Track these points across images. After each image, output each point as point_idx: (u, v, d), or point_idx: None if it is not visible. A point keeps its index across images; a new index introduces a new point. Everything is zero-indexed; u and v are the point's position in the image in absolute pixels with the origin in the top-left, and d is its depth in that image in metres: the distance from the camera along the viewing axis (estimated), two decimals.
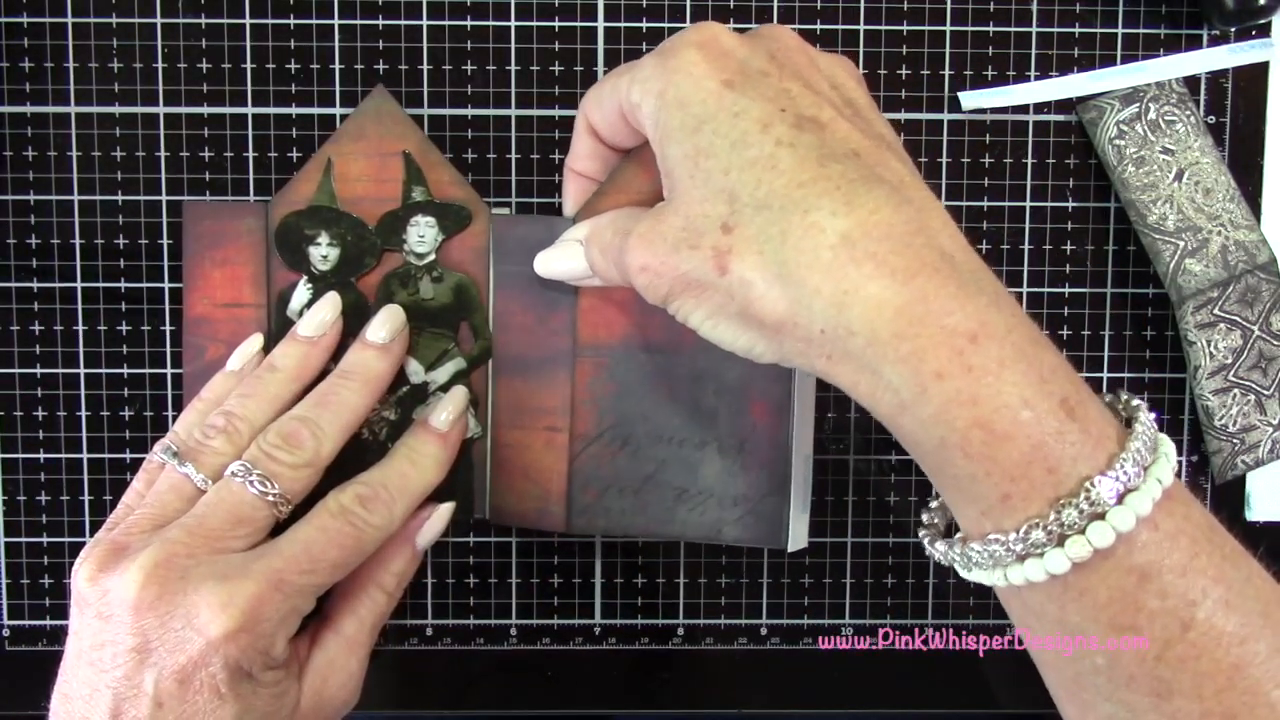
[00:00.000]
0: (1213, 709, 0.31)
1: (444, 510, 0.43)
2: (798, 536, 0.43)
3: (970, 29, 0.48)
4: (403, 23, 0.47)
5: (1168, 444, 0.32)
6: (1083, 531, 0.30)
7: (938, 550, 0.35)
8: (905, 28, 0.47)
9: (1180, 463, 0.49)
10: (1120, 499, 0.30)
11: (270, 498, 0.38)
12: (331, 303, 0.42)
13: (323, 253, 0.43)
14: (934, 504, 0.37)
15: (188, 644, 0.35)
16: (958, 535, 0.34)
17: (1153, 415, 0.32)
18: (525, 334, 0.43)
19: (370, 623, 0.42)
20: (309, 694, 0.39)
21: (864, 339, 0.31)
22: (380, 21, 0.47)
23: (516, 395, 0.44)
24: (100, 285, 0.47)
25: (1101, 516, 0.30)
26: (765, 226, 0.32)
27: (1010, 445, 0.30)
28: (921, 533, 0.37)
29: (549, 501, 0.44)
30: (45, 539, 0.48)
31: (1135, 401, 0.33)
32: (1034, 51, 0.48)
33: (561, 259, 0.41)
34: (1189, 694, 0.31)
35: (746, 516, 0.43)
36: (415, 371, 0.43)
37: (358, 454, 0.42)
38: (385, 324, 0.42)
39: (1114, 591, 0.31)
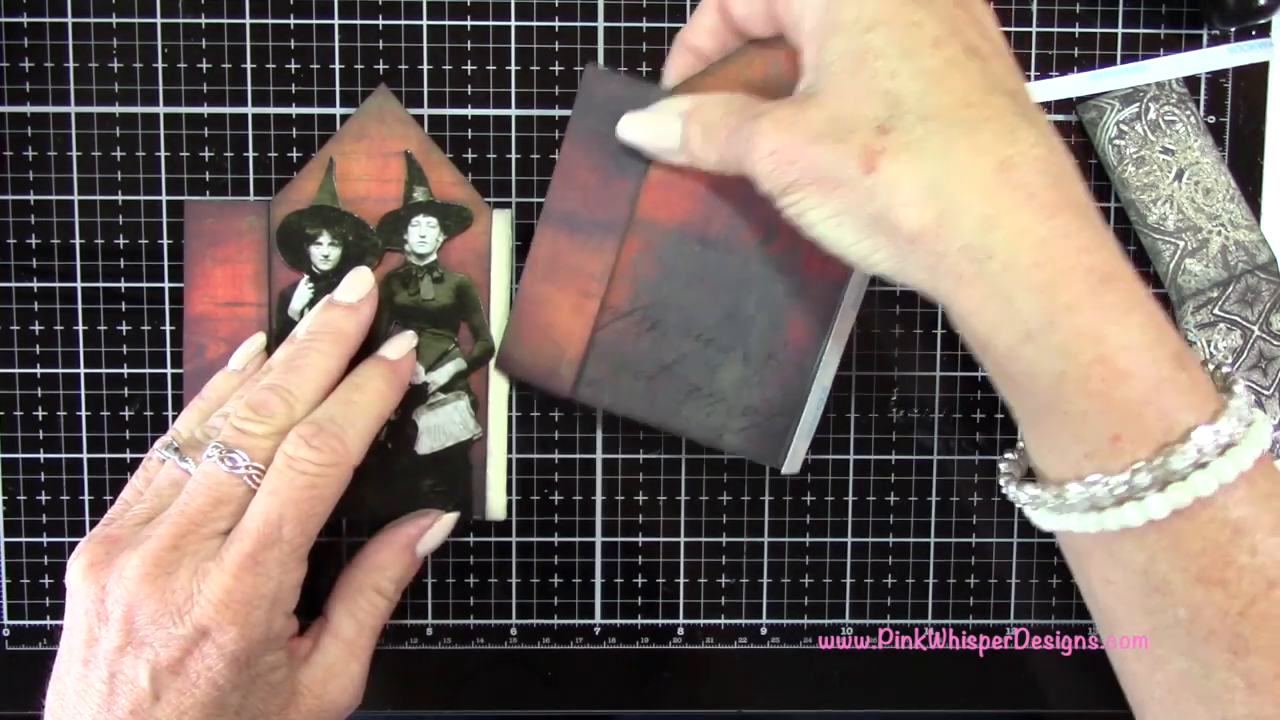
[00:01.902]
0: None
1: (447, 520, 0.44)
2: (794, 461, 0.44)
3: None
4: (403, 23, 0.48)
5: (1262, 415, 0.33)
6: (1185, 479, 0.31)
7: (1025, 493, 0.36)
8: None
9: None
10: (1223, 452, 0.31)
11: (244, 473, 0.38)
12: None
13: (324, 252, 0.44)
14: (1012, 455, 0.38)
15: (182, 639, 0.36)
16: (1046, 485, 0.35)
17: (1245, 383, 0.34)
18: (584, 192, 0.43)
19: (370, 626, 0.43)
20: (311, 697, 0.40)
21: (1002, 262, 0.32)
22: (380, 21, 0.48)
23: (558, 251, 0.44)
24: (100, 285, 0.48)
25: (1205, 466, 0.31)
26: (928, 136, 0.33)
27: (1129, 385, 0.31)
28: (1003, 480, 0.38)
29: (561, 363, 0.44)
30: (45, 539, 0.49)
31: (1225, 369, 0.34)
32: (1034, 51, 0.49)
33: (653, 125, 0.41)
34: (1266, 653, 0.32)
35: (751, 429, 0.43)
36: (415, 372, 0.44)
37: None
38: (353, 285, 0.43)
39: (1207, 543, 0.32)
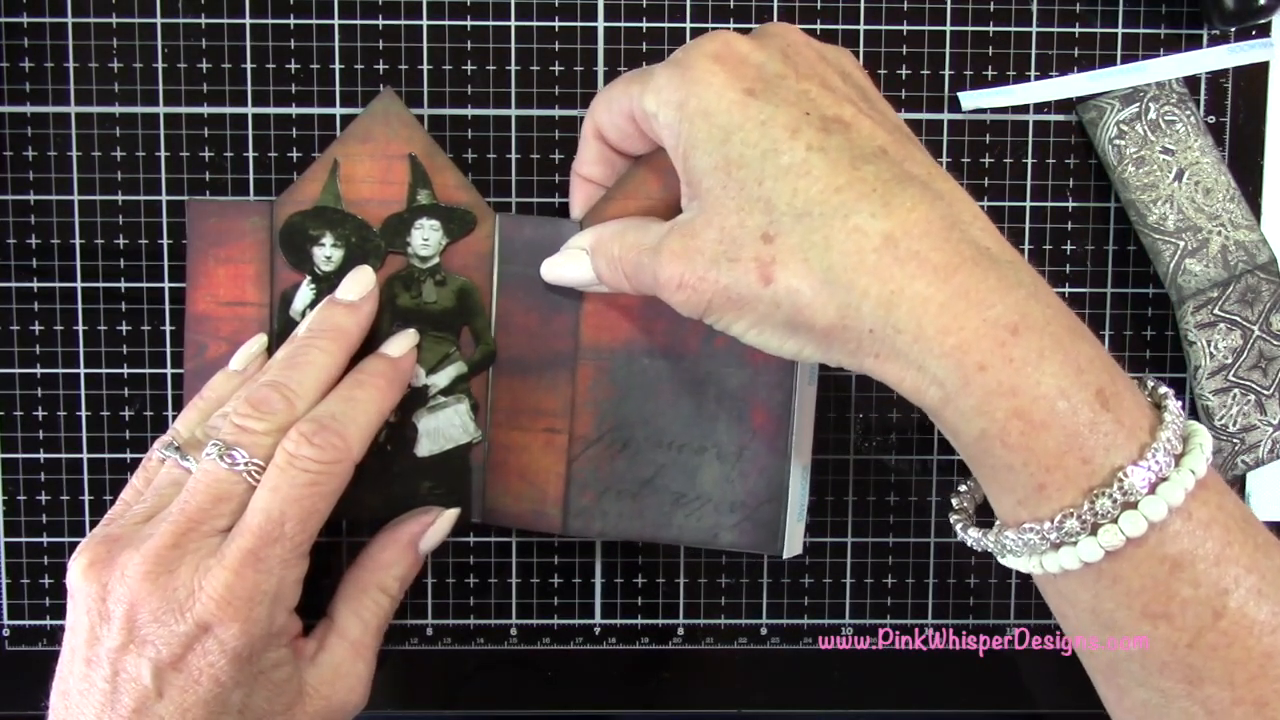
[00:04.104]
0: (1244, 696, 0.33)
1: (449, 515, 0.46)
2: (793, 543, 0.46)
3: (970, 29, 0.50)
4: (403, 23, 0.49)
5: (1203, 434, 0.34)
6: (1115, 520, 0.33)
7: (971, 537, 0.38)
8: (905, 28, 0.50)
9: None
10: (1152, 489, 0.33)
11: (244, 471, 0.39)
12: None
13: (327, 254, 0.45)
14: (963, 488, 0.40)
15: (184, 635, 0.37)
16: (996, 525, 0.36)
17: (1180, 403, 0.35)
18: (527, 336, 0.46)
19: (374, 625, 0.44)
20: (318, 698, 0.41)
21: (910, 336, 0.33)
22: (380, 21, 0.49)
23: (516, 396, 0.46)
24: (100, 285, 0.50)
25: (1134, 506, 0.32)
26: (807, 234, 0.34)
27: (1046, 435, 0.33)
28: (953, 518, 0.40)
29: (545, 503, 0.46)
30: (45, 539, 0.50)
31: (1162, 390, 0.35)
32: (1034, 51, 0.50)
33: (567, 266, 0.43)
34: (1220, 681, 0.33)
35: (743, 523, 0.45)
36: (416, 374, 0.46)
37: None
38: (354, 283, 0.44)
39: (1146, 580, 0.33)
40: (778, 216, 0.34)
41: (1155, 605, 0.33)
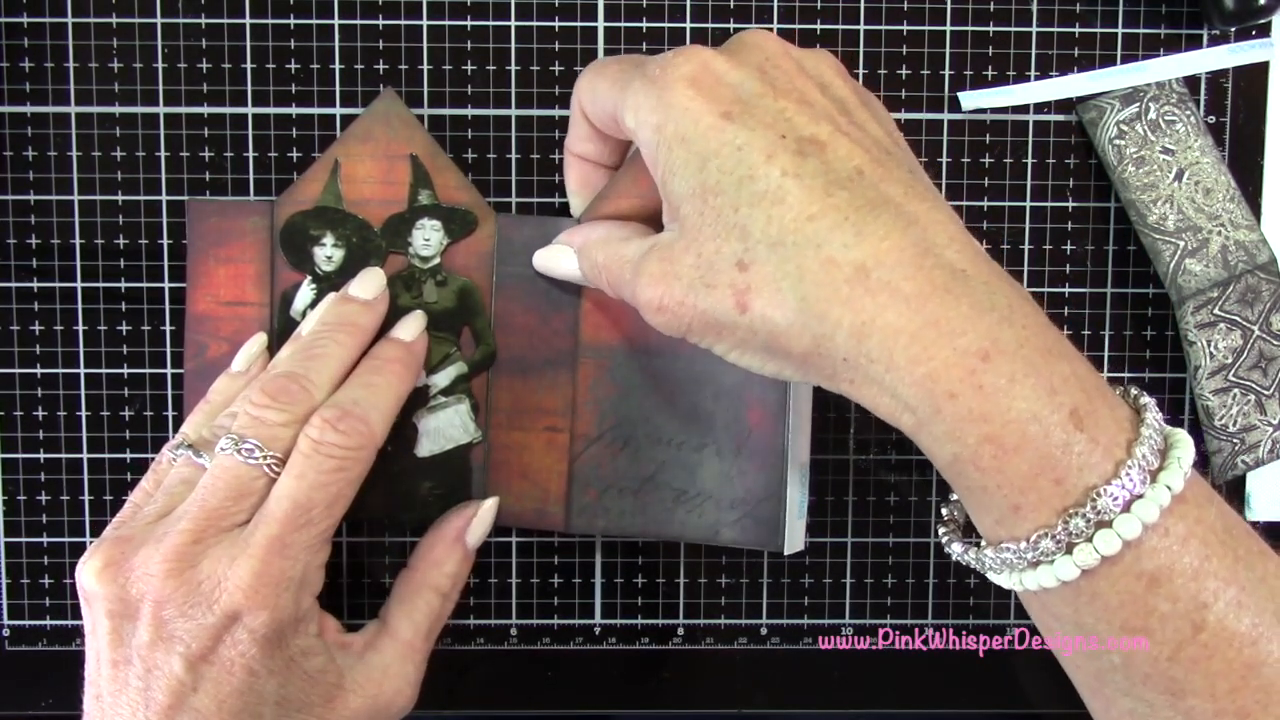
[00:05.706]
0: (1226, 708, 0.33)
1: (489, 505, 0.46)
2: (794, 539, 0.46)
3: (970, 29, 0.50)
4: (403, 23, 0.50)
5: (1183, 446, 0.34)
6: (1090, 539, 0.33)
7: (955, 551, 0.38)
8: (905, 28, 0.50)
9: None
10: (1127, 506, 0.33)
11: (262, 464, 0.40)
12: None
13: (327, 253, 0.46)
14: (953, 497, 0.40)
15: (212, 626, 0.38)
16: (983, 544, 0.37)
17: (1159, 416, 0.35)
18: (527, 335, 0.46)
19: (425, 626, 0.44)
20: (362, 695, 0.42)
21: (883, 365, 0.33)
22: (380, 21, 0.50)
23: (517, 396, 0.47)
24: (100, 285, 0.50)
25: (1108, 524, 0.33)
26: (781, 264, 0.34)
27: (1018, 459, 0.33)
28: (941, 531, 0.40)
29: (548, 502, 0.47)
30: (45, 539, 0.51)
31: (1143, 400, 0.35)
32: (1034, 51, 0.51)
33: (556, 260, 0.44)
34: (1202, 693, 0.33)
35: (744, 519, 0.45)
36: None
37: None
38: (367, 283, 0.45)
39: (1124, 596, 0.33)
40: (753, 244, 0.35)
41: (1134, 620, 0.33)
